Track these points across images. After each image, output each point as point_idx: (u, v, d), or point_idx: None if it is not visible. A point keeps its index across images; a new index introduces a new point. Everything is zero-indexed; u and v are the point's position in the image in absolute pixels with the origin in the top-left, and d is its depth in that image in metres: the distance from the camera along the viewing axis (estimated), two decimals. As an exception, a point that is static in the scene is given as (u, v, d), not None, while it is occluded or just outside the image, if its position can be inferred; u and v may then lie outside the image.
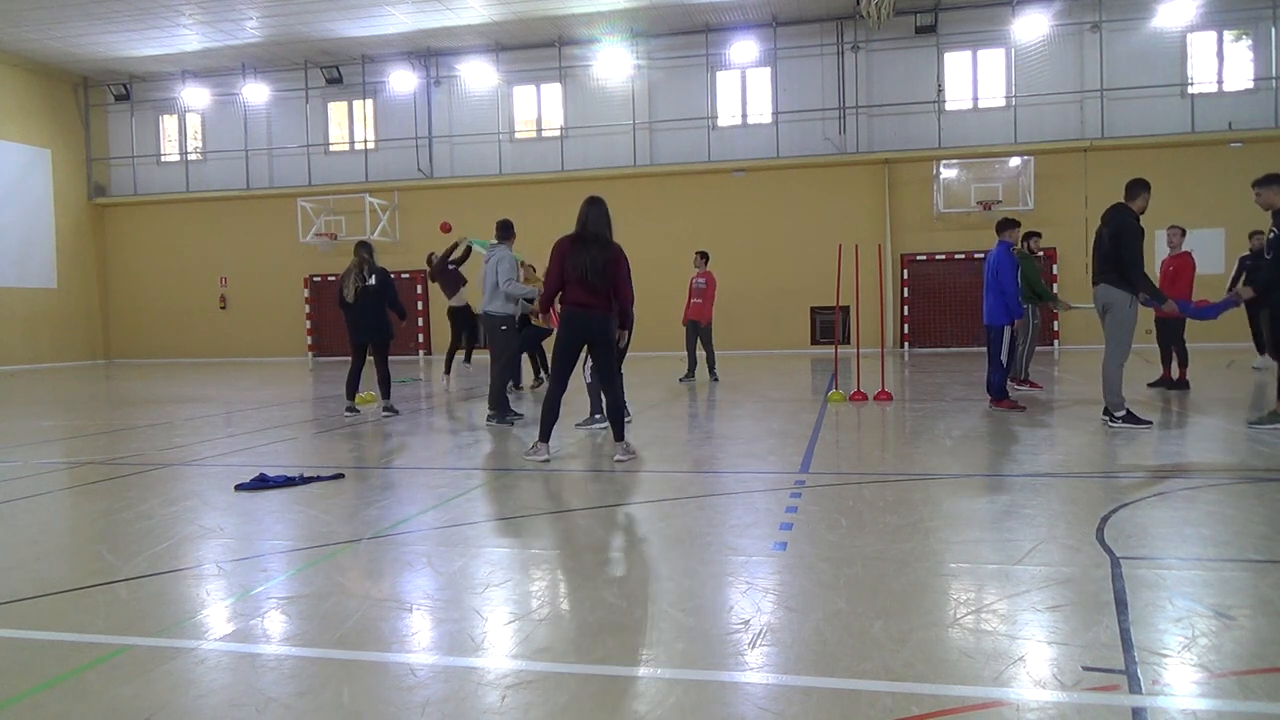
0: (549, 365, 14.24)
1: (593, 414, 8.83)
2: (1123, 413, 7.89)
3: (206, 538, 4.89)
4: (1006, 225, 9.64)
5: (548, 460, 6.84)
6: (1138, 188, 7.95)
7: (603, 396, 7.48)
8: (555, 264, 6.80)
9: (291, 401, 9.34)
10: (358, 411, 10.27)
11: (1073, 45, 20.94)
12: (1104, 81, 20.65)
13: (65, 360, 24.91)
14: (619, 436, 6.96)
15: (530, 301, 9.60)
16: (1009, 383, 11.32)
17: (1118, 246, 7.74)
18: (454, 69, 23.87)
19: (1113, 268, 7.83)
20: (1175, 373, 11.37)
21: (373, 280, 10.06)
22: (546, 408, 6.91)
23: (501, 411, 9.31)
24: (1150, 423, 7.96)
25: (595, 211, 6.81)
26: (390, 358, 10.51)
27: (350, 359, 10.59)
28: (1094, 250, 8.08)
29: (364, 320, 10.11)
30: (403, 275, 23.39)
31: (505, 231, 9.55)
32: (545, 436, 6.93)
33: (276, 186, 25.07)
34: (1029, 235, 11.95)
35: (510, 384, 13.33)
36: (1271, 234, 7.71)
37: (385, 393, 10.38)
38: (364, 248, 10.25)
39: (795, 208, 21.95)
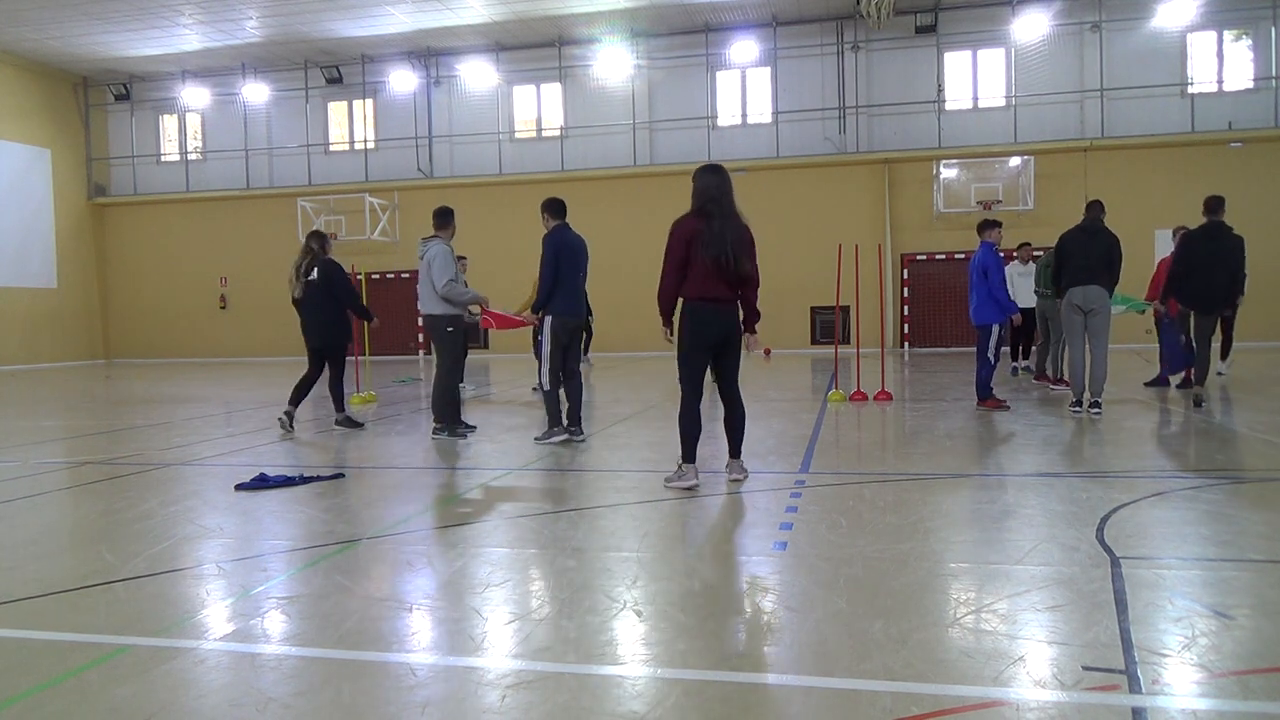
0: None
1: (552, 427, 7.91)
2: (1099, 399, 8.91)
3: (206, 538, 4.88)
4: (988, 226, 9.84)
5: (697, 485, 5.77)
6: (1100, 206, 9.21)
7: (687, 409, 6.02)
8: (679, 249, 5.60)
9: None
10: (289, 428, 8.92)
11: (1073, 45, 20.94)
12: (1104, 81, 20.65)
13: (65, 360, 24.91)
14: (739, 453, 6.03)
15: (470, 307, 8.45)
16: (1050, 385, 11.47)
17: (1113, 259, 8.86)
18: (454, 69, 23.87)
19: (1106, 274, 8.84)
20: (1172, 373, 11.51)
21: (314, 275, 8.82)
22: (686, 424, 5.81)
23: (450, 423, 8.37)
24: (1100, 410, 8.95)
25: (724, 181, 5.68)
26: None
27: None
28: (1082, 256, 8.92)
29: (309, 320, 8.93)
30: (403, 275, 23.45)
31: (442, 220, 8.42)
32: (691, 456, 5.84)
33: (276, 186, 25.08)
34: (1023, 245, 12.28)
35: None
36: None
37: (339, 404, 9.19)
38: (314, 237, 9.09)
39: (795, 208, 21.94)
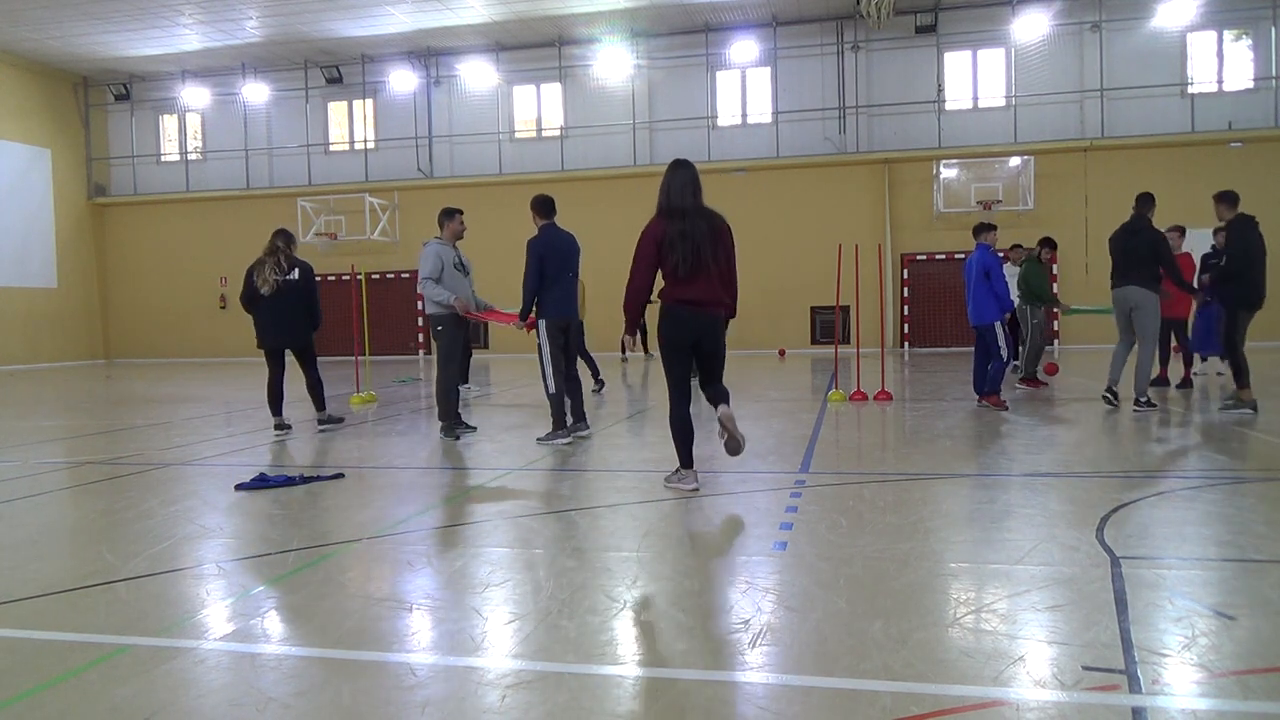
0: (598, 368, 12.94)
1: (556, 429, 7.86)
2: (1145, 398, 8.94)
3: (206, 538, 4.88)
4: (984, 229, 9.98)
5: (698, 489, 5.67)
6: (1149, 201, 9.09)
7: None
8: (648, 249, 5.45)
9: (291, 401, 9.30)
10: (289, 428, 8.88)
11: (1073, 45, 20.95)
12: (1104, 81, 20.66)
13: (65, 360, 24.91)
14: (727, 400, 5.70)
15: (449, 308, 8.16)
16: (1020, 384, 11.52)
17: (1158, 256, 8.81)
18: (454, 69, 23.87)
19: (1147, 272, 8.81)
20: (1171, 372, 11.54)
21: (295, 274, 8.68)
22: (676, 428, 5.68)
23: (449, 423, 8.37)
24: (1155, 405, 9.11)
25: (680, 177, 5.51)
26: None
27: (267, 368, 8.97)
28: (1121, 256, 9.02)
29: (279, 320, 8.70)
30: (402, 275, 23.45)
31: (438, 221, 8.45)
32: (688, 461, 5.75)
33: (276, 186, 25.09)
34: (1044, 242, 12.19)
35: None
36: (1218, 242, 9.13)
37: (320, 403, 9.06)
38: (281, 235, 8.92)
39: (795, 208, 21.94)
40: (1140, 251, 8.82)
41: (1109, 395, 9.22)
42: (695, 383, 5.89)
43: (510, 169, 23.64)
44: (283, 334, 8.80)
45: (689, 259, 5.39)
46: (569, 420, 7.97)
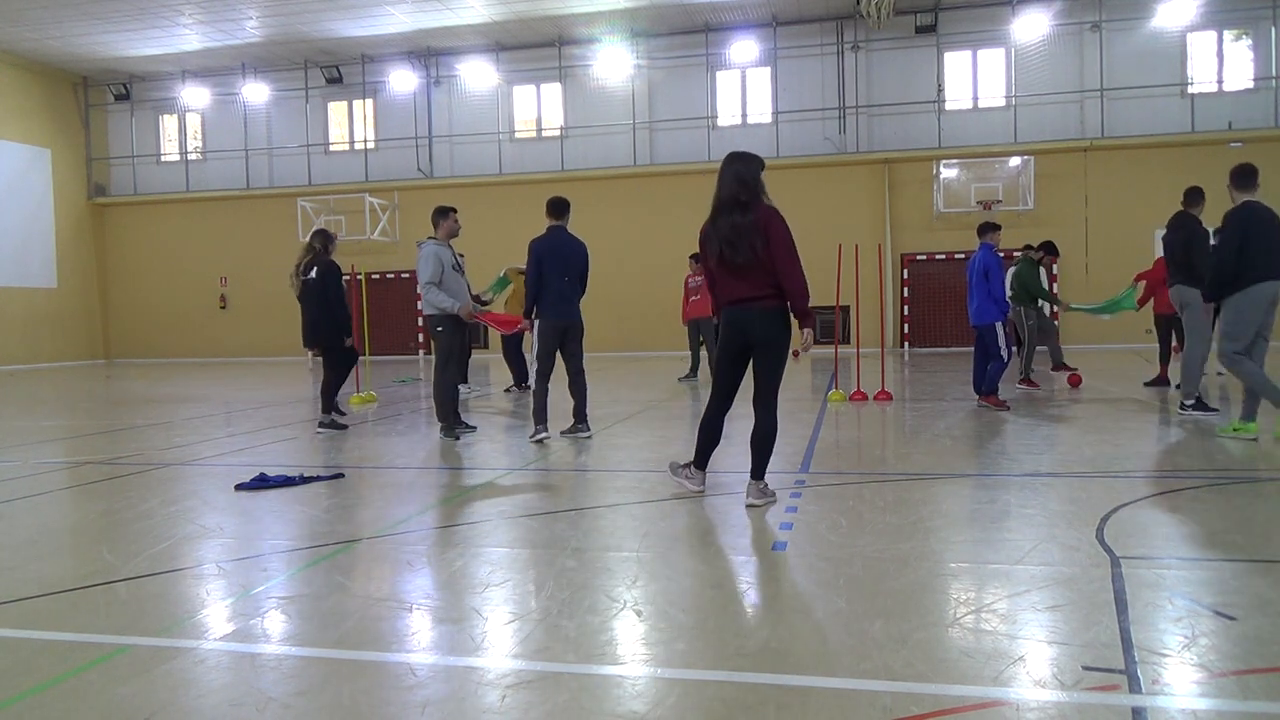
0: (527, 373, 12.93)
1: (537, 424, 7.91)
2: (1192, 401, 8.53)
3: (206, 538, 4.89)
4: (989, 229, 9.98)
5: (702, 490, 5.58)
6: (1197, 195, 8.79)
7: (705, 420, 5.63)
8: (703, 256, 5.44)
9: (291, 401, 9.29)
10: (339, 428, 8.97)
11: (1073, 45, 20.94)
12: (1104, 81, 20.65)
13: (65, 360, 24.91)
14: (758, 474, 5.32)
15: (447, 313, 8.13)
16: (1019, 384, 11.52)
17: (1188, 252, 8.47)
18: (454, 69, 23.87)
19: (1185, 270, 8.48)
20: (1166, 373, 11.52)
21: (313, 274, 8.81)
22: (702, 428, 5.53)
23: (448, 423, 8.33)
24: (1217, 410, 8.56)
25: (729, 172, 5.30)
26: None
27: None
28: (1165, 256, 8.85)
29: (304, 320, 8.91)
30: (402, 275, 23.45)
31: (433, 220, 8.41)
32: (701, 463, 5.58)
33: (276, 186, 25.08)
34: (1044, 246, 12.23)
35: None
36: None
37: (326, 404, 9.00)
38: (317, 236, 9.01)
39: (795, 208, 21.70)
40: (1175, 249, 8.64)
41: (1182, 406, 8.62)
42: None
43: (510, 169, 23.64)
44: (306, 333, 8.99)
45: (718, 260, 5.27)
46: (561, 421, 8.18)
